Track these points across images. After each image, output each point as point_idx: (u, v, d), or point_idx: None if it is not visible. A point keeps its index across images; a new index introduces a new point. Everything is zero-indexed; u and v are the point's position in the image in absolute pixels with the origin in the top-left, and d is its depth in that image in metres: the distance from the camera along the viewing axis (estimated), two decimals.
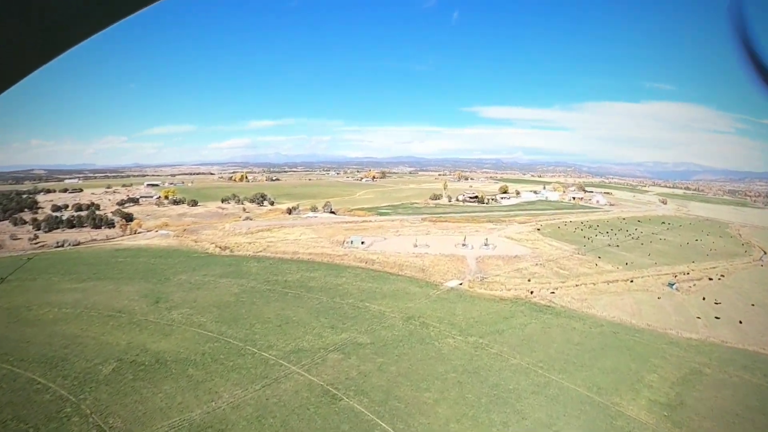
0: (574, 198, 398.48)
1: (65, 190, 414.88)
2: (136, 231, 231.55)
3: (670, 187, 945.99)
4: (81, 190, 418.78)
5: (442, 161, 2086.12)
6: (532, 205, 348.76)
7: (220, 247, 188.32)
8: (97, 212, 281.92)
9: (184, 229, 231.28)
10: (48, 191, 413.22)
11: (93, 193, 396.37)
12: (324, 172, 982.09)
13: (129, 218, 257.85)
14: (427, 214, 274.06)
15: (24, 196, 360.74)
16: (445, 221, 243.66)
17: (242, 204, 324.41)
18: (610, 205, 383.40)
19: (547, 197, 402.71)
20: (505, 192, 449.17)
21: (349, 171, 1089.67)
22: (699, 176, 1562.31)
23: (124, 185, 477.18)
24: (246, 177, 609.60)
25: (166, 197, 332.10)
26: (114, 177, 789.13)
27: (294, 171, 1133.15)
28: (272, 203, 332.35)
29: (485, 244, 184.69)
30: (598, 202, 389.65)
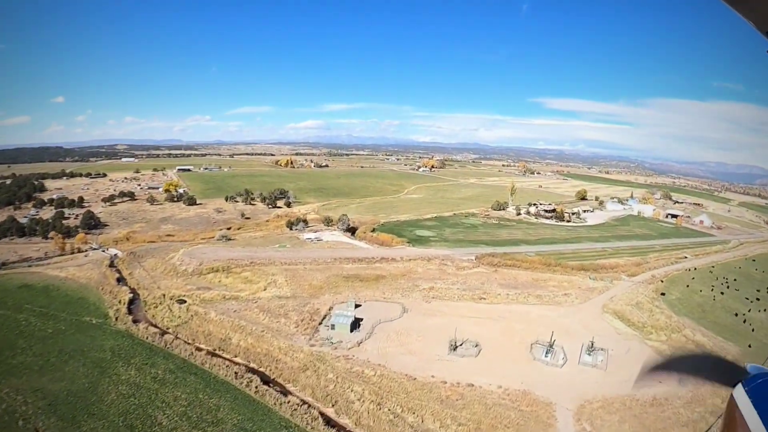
0: (673, 217, 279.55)
1: (88, 174, 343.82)
2: (78, 249, 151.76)
3: (741, 192, 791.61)
4: (104, 175, 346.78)
5: (506, 150, 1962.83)
6: (626, 226, 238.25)
7: (135, 306, 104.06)
8: (72, 212, 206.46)
9: (131, 252, 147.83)
10: (72, 175, 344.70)
11: (111, 180, 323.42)
12: (386, 157, 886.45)
13: (94, 225, 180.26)
14: (486, 243, 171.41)
15: (36, 182, 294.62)
16: (513, 265, 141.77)
17: (251, 204, 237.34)
18: (717, 228, 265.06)
19: (639, 212, 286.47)
20: (583, 198, 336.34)
21: (411, 157, 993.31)
22: (762, 180, 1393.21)
23: (155, 169, 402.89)
24: (291, 163, 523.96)
25: (167, 191, 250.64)
26: (184, 156, 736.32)
27: (358, 154, 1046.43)
28: (289, 204, 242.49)
29: (588, 352, 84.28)
30: (702, 223, 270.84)
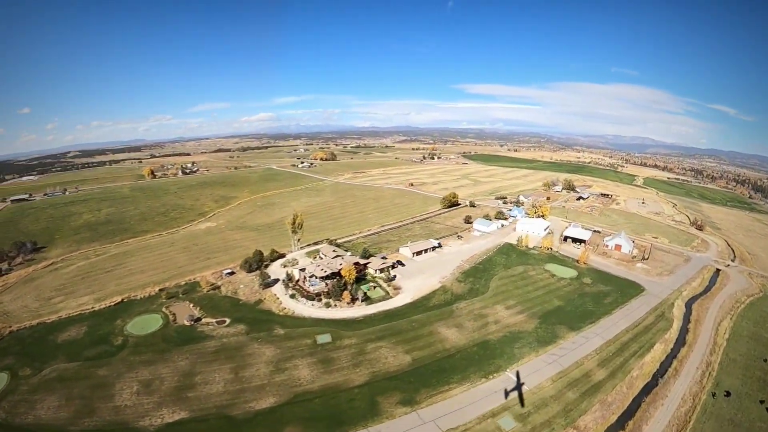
0: (577, 242, 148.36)
1: None
2: None
3: (639, 164, 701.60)
4: None
5: (433, 130, 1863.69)
6: (477, 298, 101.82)
7: None
8: None
9: None
10: None
11: None
12: (294, 149, 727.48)
13: None
14: None
15: None
16: None
17: None
18: (642, 259, 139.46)
19: (521, 239, 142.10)
20: (452, 204, 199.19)
21: (335, 144, 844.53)
22: (653, 149, 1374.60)
23: None
24: (153, 173, 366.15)
25: None
26: (111, 163, 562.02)
27: (283, 146, 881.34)
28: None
29: None
30: (619, 249, 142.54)
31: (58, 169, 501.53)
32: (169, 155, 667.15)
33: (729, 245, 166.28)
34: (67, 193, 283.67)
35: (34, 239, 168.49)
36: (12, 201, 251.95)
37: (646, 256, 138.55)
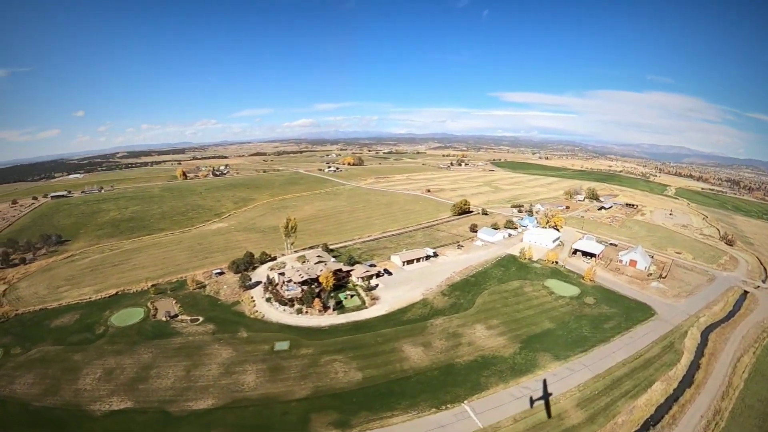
0: (587, 256, 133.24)
1: None
2: None
3: (674, 174, 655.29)
4: None
5: (469, 138, 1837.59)
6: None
7: None
8: None
9: None
10: None
11: None
12: (326, 154, 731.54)
13: None
14: None
15: None
16: None
17: None
18: (659, 277, 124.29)
19: (523, 251, 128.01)
20: (462, 212, 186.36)
21: (371, 149, 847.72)
22: (689, 159, 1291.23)
23: (33, 197, 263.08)
24: (184, 174, 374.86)
25: None
26: (153, 165, 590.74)
27: (318, 151, 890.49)
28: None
29: None
30: (634, 266, 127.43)
31: (104, 168, 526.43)
32: (209, 158, 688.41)
33: (761, 263, 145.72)
34: (102, 191, 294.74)
35: (60, 233, 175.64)
36: (52, 197, 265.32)
37: (663, 274, 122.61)
